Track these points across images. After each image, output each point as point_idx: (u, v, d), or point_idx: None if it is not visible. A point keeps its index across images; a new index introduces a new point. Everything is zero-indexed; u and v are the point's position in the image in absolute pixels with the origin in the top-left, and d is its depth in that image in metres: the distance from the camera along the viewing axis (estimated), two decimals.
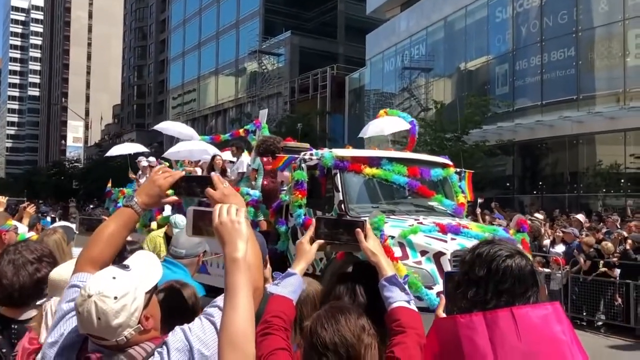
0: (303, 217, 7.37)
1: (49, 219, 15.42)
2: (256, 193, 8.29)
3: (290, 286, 1.99)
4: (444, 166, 8.26)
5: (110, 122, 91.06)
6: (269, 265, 2.90)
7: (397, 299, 1.92)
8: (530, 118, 23.32)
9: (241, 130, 11.60)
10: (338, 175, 7.48)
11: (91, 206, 25.94)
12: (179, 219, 6.11)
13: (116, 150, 14.60)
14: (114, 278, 1.60)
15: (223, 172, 9.67)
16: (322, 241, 2.09)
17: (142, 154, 13.38)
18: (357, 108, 38.28)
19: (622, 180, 21.91)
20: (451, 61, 29.10)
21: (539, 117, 23.03)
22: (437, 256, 6.23)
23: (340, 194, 7.37)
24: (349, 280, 2.08)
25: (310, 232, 2.11)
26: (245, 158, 9.49)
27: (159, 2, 71.97)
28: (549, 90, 23.12)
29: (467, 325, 1.71)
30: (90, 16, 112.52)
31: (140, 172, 12.56)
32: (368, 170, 7.39)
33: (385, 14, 36.15)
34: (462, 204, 8.08)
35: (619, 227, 12.26)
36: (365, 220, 2.16)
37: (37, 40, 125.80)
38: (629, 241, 10.30)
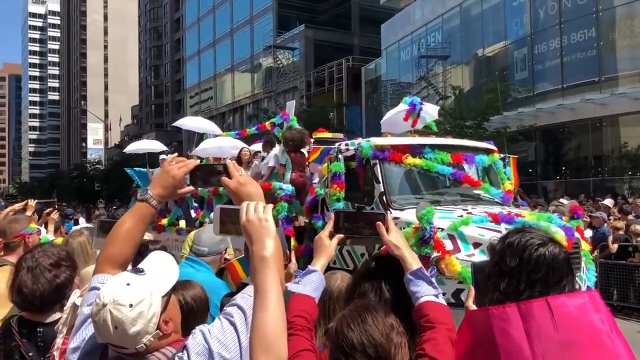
0: None
1: (73, 221, 15.58)
2: (289, 188, 7.98)
3: (312, 284, 1.91)
4: (488, 152, 7.80)
5: (129, 123, 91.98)
6: (293, 260, 2.83)
7: (425, 293, 1.83)
8: (552, 102, 22.95)
9: (267, 123, 11.25)
10: (378, 165, 7.03)
11: (114, 207, 26.17)
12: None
13: (134, 146, 14.58)
14: (128, 284, 1.56)
15: (248, 165, 9.56)
16: (342, 235, 2.01)
17: (161, 152, 13.40)
18: (374, 99, 38.08)
19: None
20: (468, 48, 28.76)
21: (560, 100, 22.65)
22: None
23: (381, 185, 6.93)
24: (373, 276, 1.99)
25: (329, 226, 2.02)
26: (275, 152, 9.26)
27: (173, 1, 72.38)
28: (569, 73, 22.71)
29: (500, 316, 1.65)
30: (105, 19, 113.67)
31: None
32: (410, 160, 6.95)
33: (399, 2, 35.84)
34: (510, 191, 7.63)
35: None
36: (386, 213, 2.08)
37: (55, 45, 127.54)
38: None
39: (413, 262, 1.92)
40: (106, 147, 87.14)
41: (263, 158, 10.21)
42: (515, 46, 25.71)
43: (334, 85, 40.30)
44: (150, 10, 78.36)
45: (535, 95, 23.88)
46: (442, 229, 5.86)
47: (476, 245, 5.79)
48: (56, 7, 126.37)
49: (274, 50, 45.88)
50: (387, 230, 1.98)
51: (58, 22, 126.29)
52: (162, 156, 12.88)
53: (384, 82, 36.32)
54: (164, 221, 9.87)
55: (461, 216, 6.16)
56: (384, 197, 6.85)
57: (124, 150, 15.22)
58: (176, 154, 2.37)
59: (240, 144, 11.03)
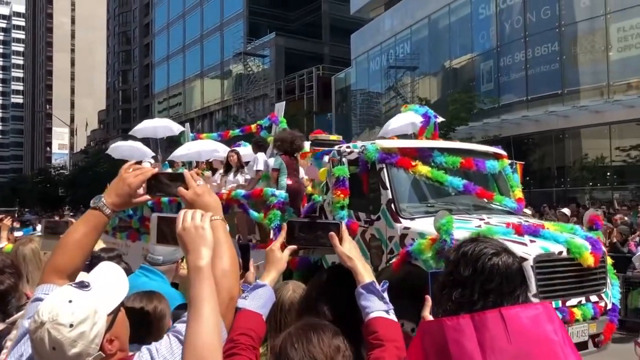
0: (347, 219, 6.38)
1: (32, 228, 15.08)
2: (282, 194, 7.47)
3: (260, 299, 1.81)
4: (497, 157, 7.25)
5: (95, 128, 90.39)
6: (252, 270, 2.77)
7: (375, 308, 1.77)
8: (516, 114, 23.40)
9: (253, 126, 10.90)
10: (384, 170, 6.44)
11: (67, 214, 25.35)
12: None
13: (118, 151, 13.11)
14: (70, 301, 1.44)
15: (239, 169, 9.09)
16: (294, 247, 1.93)
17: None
18: (344, 108, 38.28)
19: (608, 173, 22.07)
20: (436, 59, 29.16)
21: (525, 112, 23.12)
22: None
23: (389, 192, 6.36)
24: (325, 288, 1.91)
25: (281, 237, 1.94)
26: (262, 155, 8.66)
27: (142, 6, 71.59)
28: (534, 86, 23.22)
29: (454, 328, 1.64)
30: (72, 22, 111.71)
31: None
32: (420, 168, 6.39)
33: (369, 13, 36.18)
34: (520, 199, 7.17)
35: (604, 220, 12.30)
36: (341, 222, 1.97)
37: (19, 47, 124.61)
38: (615, 233, 10.31)
39: (365, 274, 1.85)
40: (71, 152, 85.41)
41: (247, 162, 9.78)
42: (481, 58, 26.17)
43: (304, 93, 40.38)
44: (119, 15, 77.36)
45: (500, 107, 24.32)
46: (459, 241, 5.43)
47: None
48: (21, 9, 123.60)
49: (244, 57, 45.74)
50: (341, 240, 1.87)
51: (23, 23, 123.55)
52: (147, 159, 12.47)
53: (354, 92, 36.55)
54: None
55: (479, 226, 5.73)
56: (392, 205, 6.31)
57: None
58: (134, 161, 2.29)
59: (221, 147, 10.52)
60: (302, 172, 8.49)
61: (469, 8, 26.56)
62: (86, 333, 1.43)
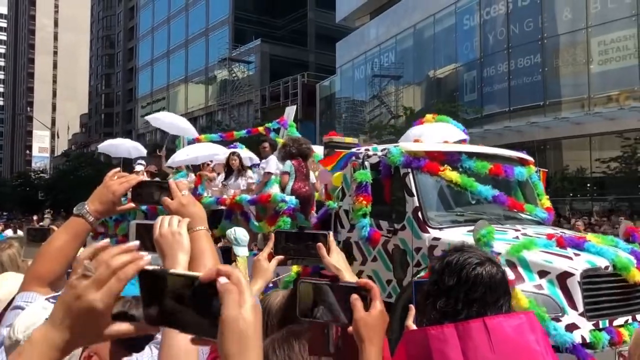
0: (369, 229, 5.97)
1: (8, 232, 14.81)
2: (292, 200, 7.11)
3: None
4: (523, 162, 6.76)
5: (77, 131, 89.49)
6: (263, 253, 2.73)
7: None
8: (499, 124, 23.65)
9: (261, 128, 10.45)
10: (410, 175, 5.98)
11: (47, 217, 24.78)
12: (240, 234, 5.15)
13: (107, 148, 12.88)
14: (46, 319, 1.40)
15: (240, 172, 8.65)
16: (281, 257, 1.89)
17: (138, 158, 12.52)
18: (328, 115, 38.37)
19: (588, 185, 22.37)
20: (420, 69, 29.38)
21: (507, 123, 23.37)
22: (563, 278, 4.79)
23: (415, 199, 5.90)
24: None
25: (269, 247, 1.92)
26: (274, 157, 8.22)
27: (127, 10, 71.23)
28: (516, 97, 23.49)
29: (438, 337, 1.64)
30: (56, 24, 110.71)
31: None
32: (448, 174, 5.90)
33: (354, 22, 36.38)
34: (550, 209, 6.66)
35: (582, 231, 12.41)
36: (329, 233, 1.84)
37: (0, 49, 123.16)
38: None
39: None
40: (52, 156, 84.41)
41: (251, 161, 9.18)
42: (465, 69, 26.43)
43: (289, 100, 40.40)
44: (103, 18, 76.86)
45: (483, 117, 24.56)
46: (499, 254, 4.84)
47: (542, 274, 4.81)
48: (3, 10, 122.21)
49: (229, 63, 45.67)
50: (328, 251, 1.78)
51: (5, 25, 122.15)
52: (140, 162, 12.25)
53: (338, 99, 36.67)
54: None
55: (516, 238, 5.26)
56: (419, 214, 5.84)
57: (98, 147, 13.68)
58: (118, 168, 2.24)
59: (222, 150, 10.00)
60: (312, 177, 8.24)
61: (454, 19, 26.84)
62: None
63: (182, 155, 10.01)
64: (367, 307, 1.35)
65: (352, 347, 1.38)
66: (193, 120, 53.83)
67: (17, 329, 1.39)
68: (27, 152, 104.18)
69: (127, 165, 12.77)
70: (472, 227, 5.34)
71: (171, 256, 1.43)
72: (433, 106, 25.00)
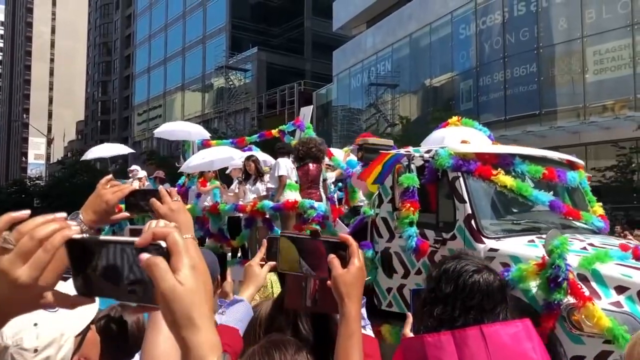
0: (416, 238, 5.43)
1: None
2: (322, 207, 6.68)
3: (236, 314, 1.78)
4: (572, 166, 6.17)
5: (73, 138, 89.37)
6: (229, 279, 2.71)
7: None
8: (495, 133, 23.48)
9: (274, 131, 10.09)
10: (461, 179, 5.42)
11: None
12: None
13: (95, 153, 13.23)
14: (35, 325, 1.38)
15: (257, 177, 8.27)
16: (273, 263, 1.84)
17: (120, 158, 12.62)
18: (325, 124, 38.41)
19: None
20: (416, 77, 29.48)
21: (503, 131, 23.42)
22: None
23: (468, 205, 5.33)
24: (289, 310, 1.78)
25: (261, 253, 1.90)
26: (284, 160, 7.77)
27: (124, 17, 71.39)
28: (512, 106, 23.58)
29: (435, 345, 1.64)
30: (53, 31, 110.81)
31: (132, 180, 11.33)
32: (502, 178, 5.33)
33: (351, 30, 36.52)
34: (603, 216, 6.12)
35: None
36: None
37: None
38: None
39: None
40: (48, 163, 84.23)
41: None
42: (461, 78, 26.54)
43: (285, 108, 40.46)
44: (100, 26, 77.00)
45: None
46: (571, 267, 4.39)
47: (620, 289, 4.29)
48: (0, 17, 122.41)
49: (226, 71, 45.76)
50: (345, 264, 1.38)
51: (1, 32, 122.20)
52: (134, 166, 12.19)
53: (335, 108, 36.74)
54: None
55: (584, 249, 4.77)
56: (472, 222, 5.27)
57: (82, 158, 13.71)
58: (110, 176, 2.19)
59: (237, 154, 9.68)
60: (331, 177, 8.00)
61: (450, 28, 26.97)
62: (52, 357, 1.38)
63: (197, 160, 9.60)
64: (345, 263, 1.34)
65: (330, 300, 1.37)
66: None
67: (5, 335, 1.37)
68: (23, 159, 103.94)
69: (122, 172, 12.77)
70: (531, 237, 5.02)
71: None
72: (429, 115, 25.09)
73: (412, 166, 5.57)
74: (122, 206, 1.80)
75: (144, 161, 35.54)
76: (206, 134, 11.64)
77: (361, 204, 7.59)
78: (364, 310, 1.79)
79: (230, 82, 45.79)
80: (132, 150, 12.18)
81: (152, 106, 60.04)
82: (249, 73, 46.12)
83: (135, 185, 10.70)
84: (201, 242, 8.51)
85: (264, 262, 1.96)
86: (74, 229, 0.86)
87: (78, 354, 1.45)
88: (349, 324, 1.34)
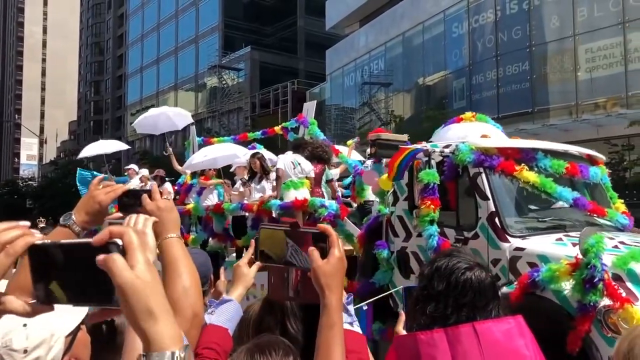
0: (437, 237, 5.18)
1: None
2: (333, 205, 6.41)
3: (226, 314, 1.76)
4: (592, 162, 5.90)
5: (66, 139, 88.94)
6: (222, 278, 2.68)
7: None
8: None
9: (277, 128, 9.80)
10: (483, 175, 5.17)
11: (41, 225, 24.52)
12: None
13: (90, 150, 13.01)
14: (24, 325, 1.37)
15: (263, 175, 7.94)
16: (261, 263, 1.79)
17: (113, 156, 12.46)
18: (318, 122, 38.28)
19: None
20: (410, 76, 29.52)
21: None
22: None
23: (491, 202, 5.08)
24: (276, 308, 1.80)
25: (250, 252, 1.85)
26: (285, 156, 7.53)
27: (116, 17, 71.08)
28: (505, 104, 23.65)
29: (428, 342, 1.64)
30: (44, 31, 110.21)
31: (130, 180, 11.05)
32: (525, 174, 5.09)
33: (344, 29, 36.53)
34: (627, 213, 5.84)
35: None
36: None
37: None
38: None
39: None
40: (40, 163, 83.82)
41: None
42: (454, 76, 26.60)
43: (278, 107, 40.42)
44: (92, 25, 76.63)
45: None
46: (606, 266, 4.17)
47: None
48: None
49: (219, 70, 45.67)
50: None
51: None
52: (132, 166, 12.08)
53: (328, 106, 36.73)
54: None
55: (616, 247, 4.52)
56: (496, 220, 5.01)
57: (79, 157, 13.55)
58: (102, 175, 2.17)
59: (240, 151, 9.34)
60: (335, 174, 7.84)
61: (442, 26, 27.02)
62: (42, 358, 1.37)
63: (200, 157, 9.26)
64: (325, 254, 1.34)
65: (313, 291, 1.37)
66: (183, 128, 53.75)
67: None
68: (15, 159, 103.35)
69: (116, 172, 12.70)
70: (558, 235, 4.84)
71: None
72: (423, 113, 25.13)
73: (433, 162, 5.32)
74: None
75: (137, 161, 35.42)
76: (188, 116, 11.25)
77: (370, 200, 7.43)
78: (351, 307, 1.79)
79: (224, 82, 45.70)
80: (128, 147, 12.02)
81: (145, 106, 59.67)
82: (242, 72, 46.06)
83: (136, 183, 10.58)
84: (204, 243, 8.34)
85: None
86: (37, 236, 0.88)
87: (68, 355, 1.44)
88: (330, 314, 1.34)
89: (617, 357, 1.55)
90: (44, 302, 0.89)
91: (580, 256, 4.09)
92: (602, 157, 6.16)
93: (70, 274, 0.86)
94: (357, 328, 1.78)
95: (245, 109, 44.00)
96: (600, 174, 5.77)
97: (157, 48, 57.31)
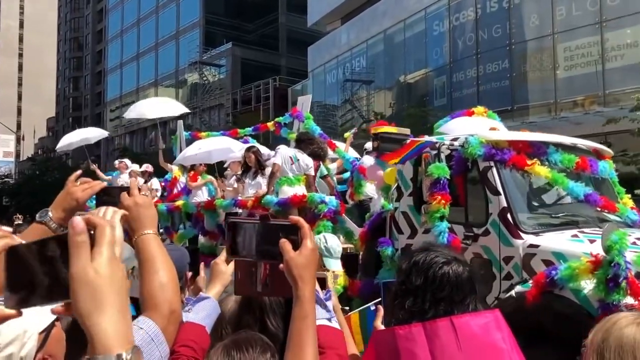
0: (447, 234, 4.97)
1: None
2: (333, 201, 6.19)
3: (203, 311, 1.75)
4: (599, 156, 5.74)
5: (44, 135, 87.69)
6: (202, 274, 2.65)
7: (317, 317, 1.60)
8: None
9: (270, 124, 9.56)
10: (494, 169, 4.98)
11: (17, 222, 24.09)
12: (333, 242, 3.99)
13: (67, 140, 12.34)
14: None
15: (258, 170, 7.68)
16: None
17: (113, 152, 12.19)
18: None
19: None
20: (391, 73, 29.62)
21: None
22: None
23: (502, 198, 4.91)
24: (254, 305, 1.77)
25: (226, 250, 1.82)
26: (284, 149, 7.26)
27: (95, 12, 70.18)
28: (485, 101, 23.62)
29: (406, 337, 1.65)
30: (21, 25, 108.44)
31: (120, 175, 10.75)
32: (537, 169, 4.91)
33: (326, 26, 36.50)
34: (636, 208, 5.65)
35: None
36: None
37: None
38: None
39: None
40: (17, 160, 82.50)
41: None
42: (435, 74, 26.73)
43: (260, 104, 40.28)
44: (71, 20, 75.57)
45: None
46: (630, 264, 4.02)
47: None
48: None
49: (200, 67, 45.37)
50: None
51: None
52: (124, 160, 11.89)
53: (310, 104, 36.73)
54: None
55: (634, 244, 4.33)
56: (507, 216, 4.85)
57: (57, 148, 13.25)
58: (80, 171, 2.13)
59: (234, 145, 9.04)
60: (333, 168, 7.73)
61: (424, 24, 27.13)
62: (14, 355, 1.34)
63: (194, 150, 8.93)
64: (297, 246, 1.34)
65: (283, 284, 1.37)
66: (163, 124, 53.25)
67: None
68: None
69: (91, 174, 12.49)
70: (573, 232, 4.73)
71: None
72: (404, 111, 25.24)
73: (442, 156, 5.12)
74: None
75: (117, 157, 35.07)
76: (178, 106, 11.03)
77: (367, 197, 7.31)
78: (329, 303, 1.79)
79: (205, 78, 45.42)
80: (108, 133, 11.77)
81: (125, 102, 59.16)
82: (223, 69, 45.80)
83: (126, 179, 10.41)
84: (194, 241, 8.15)
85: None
86: (16, 239, 0.87)
87: (42, 352, 1.41)
88: (303, 305, 1.35)
89: (592, 347, 1.57)
90: (16, 307, 0.88)
91: (601, 253, 3.95)
92: (609, 151, 6.02)
93: (43, 273, 0.85)
94: (335, 324, 1.78)
95: (226, 105, 43.78)
96: (608, 168, 5.63)
97: (137, 44, 56.75)
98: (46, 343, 1.43)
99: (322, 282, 1.93)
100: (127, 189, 1.68)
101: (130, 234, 1.53)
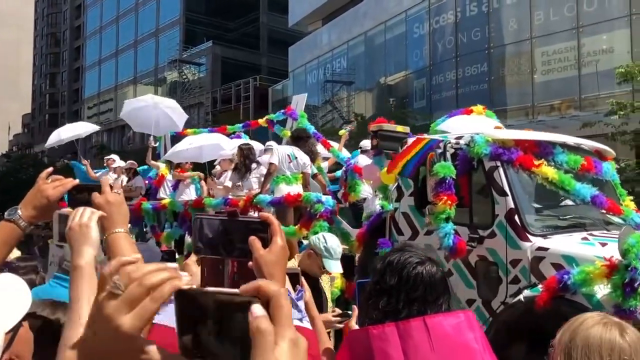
0: (453, 236, 4.76)
1: None
2: (330, 201, 6.02)
3: (173, 313, 1.74)
4: (601, 157, 5.63)
5: (19, 132, 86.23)
6: (192, 257, 2.56)
7: None
8: None
9: (261, 121, 9.32)
10: (500, 169, 4.85)
11: None
12: (333, 242, 3.87)
13: (57, 137, 11.87)
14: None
15: (250, 168, 7.36)
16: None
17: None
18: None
19: None
20: (372, 75, 29.73)
21: None
22: None
23: (509, 199, 4.77)
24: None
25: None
26: (281, 147, 7.10)
27: (74, 7, 69.20)
28: (463, 104, 23.84)
29: (380, 336, 1.65)
30: None
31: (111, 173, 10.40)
32: (544, 169, 4.77)
33: (307, 27, 36.51)
34: (638, 210, 5.49)
35: None
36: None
37: None
38: None
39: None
40: None
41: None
42: (415, 76, 26.92)
43: (240, 103, 40.11)
44: (48, 15, 74.43)
45: (432, 123, 25.05)
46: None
47: None
48: None
49: (179, 65, 45.02)
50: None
51: None
52: (112, 156, 11.63)
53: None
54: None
55: None
56: (515, 217, 4.71)
57: (46, 145, 12.93)
58: (51, 168, 2.09)
59: (226, 142, 8.79)
60: (325, 167, 7.65)
61: (404, 27, 27.29)
62: None
63: (184, 145, 8.66)
64: (267, 243, 1.30)
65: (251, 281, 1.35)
66: None
67: None
68: None
69: (67, 171, 12.25)
70: (582, 234, 4.61)
71: (76, 249, 1.37)
72: (385, 112, 25.33)
73: (448, 155, 4.92)
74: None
75: (95, 155, 34.61)
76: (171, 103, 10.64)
77: (361, 198, 7.13)
78: (301, 303, 1.78)
79: (184, 76, 45.09)
80: (98, 127, 11.43)
81: (103, 100, 58.52)
82: (203, 67, 45.53)
83: (112, 176, 10.22)
84: (180, 241, 7.83)
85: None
86: (185, 279, 0.81)
87: (8, 352, 1.39)
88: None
89: (559, 347, 1.59)
90: (195, 356, 0.80)
91: (617, 257, 3.84)
92: (612, 152, 5.90)
93: (224, 329, 0.77)
94: (306, 324, 1.78)
95: (206, 104, 43.50)
96: (611, 169, 5.53)
97: (116, 40, 56.08)
98: (13, 344, 1.41)
99: (296, 278, 1.91)
100: (98, 186, 1.66)
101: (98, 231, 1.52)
